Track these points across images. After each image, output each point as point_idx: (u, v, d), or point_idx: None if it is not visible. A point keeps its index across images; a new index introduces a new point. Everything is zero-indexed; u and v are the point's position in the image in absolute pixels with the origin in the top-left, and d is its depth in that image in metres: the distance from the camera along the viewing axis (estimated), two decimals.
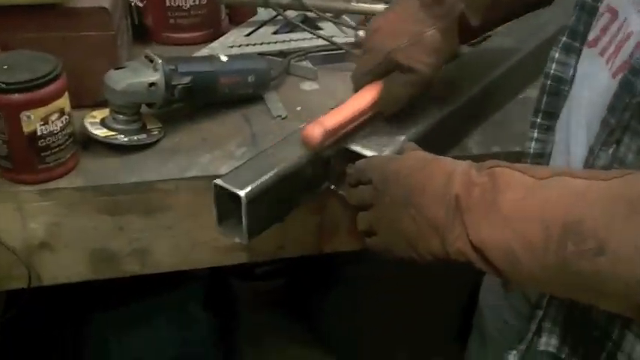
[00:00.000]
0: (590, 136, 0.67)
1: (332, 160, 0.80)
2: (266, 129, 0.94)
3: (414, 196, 0.66)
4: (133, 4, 1.08)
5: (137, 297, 1.30)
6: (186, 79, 0.89)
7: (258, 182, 0.72)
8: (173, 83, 0.88)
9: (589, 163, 0.66)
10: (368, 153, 0.77)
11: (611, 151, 0.63)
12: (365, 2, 1.22)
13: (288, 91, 1.04)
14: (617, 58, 0.65)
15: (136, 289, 1.25)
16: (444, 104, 0.88)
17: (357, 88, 0.83)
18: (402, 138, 0.80)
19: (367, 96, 0.81)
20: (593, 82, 0.69)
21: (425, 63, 0.78)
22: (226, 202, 0.73)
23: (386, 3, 1.23)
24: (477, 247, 0.61)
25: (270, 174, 0.74)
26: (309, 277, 1.71)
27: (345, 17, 1.20)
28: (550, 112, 0.79)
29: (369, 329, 1.64)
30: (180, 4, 1.12)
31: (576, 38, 0.76)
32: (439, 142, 0.88)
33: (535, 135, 0.81)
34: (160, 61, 0.87)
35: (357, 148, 0.79)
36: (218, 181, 0.72)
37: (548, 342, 0.71)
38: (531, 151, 0.82)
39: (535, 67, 1.07)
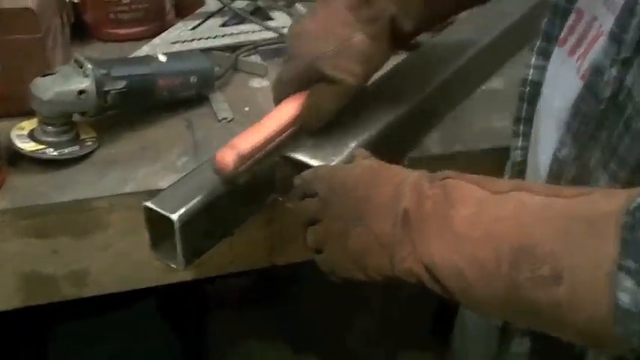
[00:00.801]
0: (559, 135, 0.62)
1: (276, 170, 0.74)
2: (210, 134, 0.88)
3: (361, 210, 0.60)
4: (67, 0, 1.01)
5: (96, 312, 1.24)
6: (120, 84, 0.82)
7: (193, 202, 0.66)
8: (105, 89, 0.81)
9: (555, 174, 0.60)
10: (314, 163, 0.71)
11: (577, 163, 0.58)
12: None
13: (235, 89, 0.97)
14: (586, 58, 0.60)
15: (94, 304, 1.19)
16: (398, 104, 0.82)
17: (278, 99, 0.75)
18: (353, 144, 0.74)
19: (289, 110, 0.74)
20: (561, 84, 0.65)
21: (352, 73, 0.71)
22: (160, 224, 0.67)
23: None
24: (427, 267, 0.55)
25: (207, 192, 0.68)
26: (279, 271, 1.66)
27: (299, 6, 1.13)
28: (530, 118, 0.74)
29: (340, 323, 1.60)
30: None
31: (551, 41, 0.71)
32: (395, 145, 0.83)
33: (520, 144, 0.76)
34: (90, 65, 0.80)
35: (302, 157, 0.73)
36: (148, 204, 0.66)
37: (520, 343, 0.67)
38: (518, 159, 0.76)
39: (495, 58, 1.02)
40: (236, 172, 0.68)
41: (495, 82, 1.01)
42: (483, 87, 1.00)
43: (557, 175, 0.61)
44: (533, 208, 0.51)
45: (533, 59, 0.73)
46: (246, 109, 0.93)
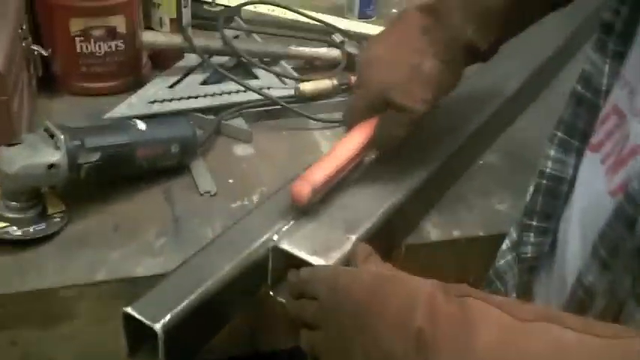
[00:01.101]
0: (584, 254, 0.57)
1: (270, 261, 0.67)
2: (191, 209, 0.80)
3: (368, 324, 0.54)
4: (36, 52, 0.93)
5: None
6: (95, 156, 0.75)
7: (178, 309, 0.59)
8: (79, 162, 0.73)
9: (578, 300, 0.55)
10: (313, 260, 0.64)
11: (606, 294, 0.52)
12: (305, 46, 1.09)
13: (218, 157, 0.90)
14: (619, 174, 0.54)
15: None
16: (401, 184, 0.76)
17: (350, 126, 0.77)
18: (353, 237, 0.68)
19: (359, 137, 0.75)
20: (590, 194, 0.59)
21: (421, 100, 0.71)
22: (140, 331, 0.60)
23: (329, 46, 1.11)
24: None
25: (194, 296, 0.60)
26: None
27: (285, 64, 1.07)
28: (547, 213, 0.69)
29: None
30: (94, 50, 0.97)
31: (574, 135, 0.67)
32: (394, 231, 0.77)
33: (531, 239, 0.71)
34: (62, 136, 0.72)
35: (299, 252, 0.66)
36: (128, 310, 0.58)
37: None
38: (528, 255, 0.71)
39: (493, 131, 0.97)
40: (310, 203, 0.70)
41: (491, 157, 0.96)
42: (481, 161, 0.94)
43: (580, 303, 0.56)
44: (564, 345, 0.46)
45: (553, 151, 0.68)
46: (230, 181, 0.86)
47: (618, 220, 0.51)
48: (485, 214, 0.85)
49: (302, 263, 0.64)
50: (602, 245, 0.52)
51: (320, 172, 0.71)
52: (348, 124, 0.77)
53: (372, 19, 1.32)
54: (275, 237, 0.68)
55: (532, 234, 0.70)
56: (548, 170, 0.68)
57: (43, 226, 0.73)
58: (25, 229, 0.72)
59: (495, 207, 0.86)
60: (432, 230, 0.81)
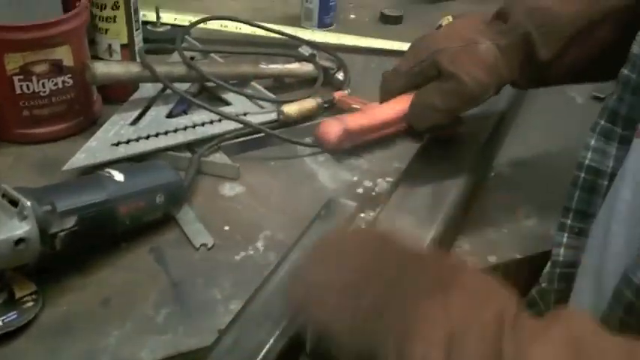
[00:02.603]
0: (631, 251, 0.49)
1: (307, 334, 0.56)
2: (190, 269, 0.67)
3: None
4: None
5: None
6: (70, 222, 0.61)
7: None
8: (52, 231, 0.59)
9: (626, 290, 0.49)
10: None
11: None
12: (276, 63, 0.97)
13: (205, 201, 0.77)
14: None
15: None
16: (434, 216, 0.66)
17: (386, 92, 0.73)
18: None
19: (398, 105, 0.71)
20: (637, 183, 0.53)
21: (472, 74, 0.66)
22: None
23: (302, 61, 1.00)
24: None
25: None
26: None
27: (257, 86, 0.95)
28: (583, 212, 0.63)
29: None
30: (37, 90, 0.82)
31: (617, 122, 0.60)
32: None
33: (564, 240, 0.64)
34: (29, 203, 0.58)
35: None
36: None
37: None
38: (561, 258, 0.64)
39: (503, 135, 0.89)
40: (338, 147, 0.68)
41: (500, 167, 0.87)
42: (492, 173, 0.85)
43: (628, 306, 0.49)
44: None
45: (593, 141, 0.61)
46: (226, 228, 0.73)
47: None
48: (517, 233, 0.76)
49: None
50: None
51: (355, 121, 0.70)
52: (385, 92, 0.73)
53: (332, 27, 1.21)
54: None
55: (566, 234, 0.64)
56: (587, 162, 0.62)
57: (13, 315, 0.59)
58: None
59: (523, 223, 0.77)
60: (467, 258, 0.71)
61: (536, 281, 0.75)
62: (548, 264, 0.67)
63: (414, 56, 0.70)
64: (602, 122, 0.61)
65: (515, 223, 0.77)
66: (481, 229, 0.76)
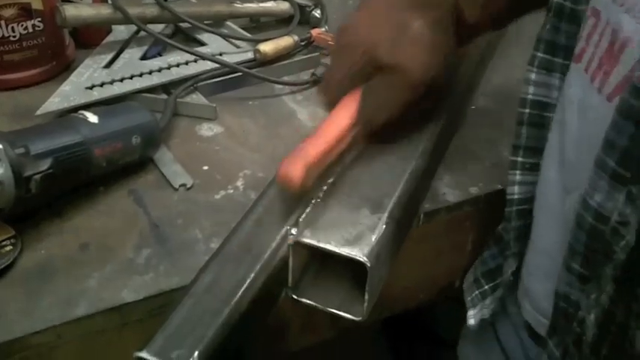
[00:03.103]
0: (586, 175, 0.49)
1: (291, 260, 0.55)
2: (169, 210, 0.67)
3: None
4: None
5: None
6: (45, 164, 0.60)
7: (206, 342, 0.46)
8: (27, 174, 0.58)
9: (587, 214, 0.48)
10: (347, 252, 0.53)
11: (614, 206, 0.45)
12: (251, 2, 0.95)
13: (183, 143, 0.76)
14: (612, 74, 0.47)
15: None
16: (412, 151, 0.65)
17: (331, 101, 0.62)
18: (383, 217, 0.57)
19: (347, 111, 0.60)
20: (581, 108, 0.52)
21: (414, 60, 0.59)
22: None
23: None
24: None
25: (221, 320, 0.48)
26: None
27: (233, 26, 0.93)
28: (533, 147, 0.61)
29: None
30: (7, 35, 0.80)
31: (557, 52, 0.58)
32: (417, 201, 0.66)
33: (517, 177, 0.63)
34: (1, 146, 0.57)
35: (326, 244, 0.53)
36: (144, 355, 0.45)
37: None
38: (515, 197, 0.63)
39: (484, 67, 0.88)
40: (305, 184, 0.55)
41: (483, 100, 0.86)
42: (473, 106, 0.85)
43: (592, 230, 0.48)
44: None
45: (534, 75, 0.60)
46: (205, 168, 0.72)
47: (624, 118, 0.43)
48: (498, 165, 0.75)
49: (332, 256, 0.53)
50: (609, 157, 0.45)
51: (313, 149, 0.58)
52: (328, 100, 0.63)
53: None
54: (293, 231, 0.56)
55: (518, 171, 0.63)
56: (529, 97, 0.60)
57: None
58: None
59: (504, 155, 0.77)
60: (448, 191, 0.71)
61: None
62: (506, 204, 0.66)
63: (346, 59, 0.61)
64: (540, 55, 0.59)
65: (496, 155, 0.77)
66: (462, 161, 0.75)
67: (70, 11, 0.81)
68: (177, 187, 0.69)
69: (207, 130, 0.78)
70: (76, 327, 0.56)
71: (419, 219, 0.69)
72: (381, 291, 0.57)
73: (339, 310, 0.57)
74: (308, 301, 0.57)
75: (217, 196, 0.69)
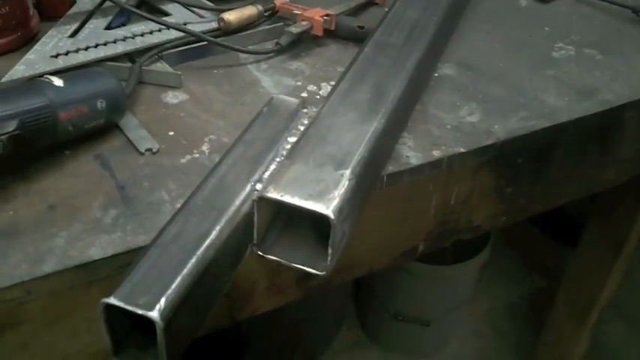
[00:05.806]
0: None
1: (256, 215, 0.57)
2: (136, 173, 0.67)
3: None
4: None
5: None
6: (10, 126, 0.60)
7: (172, 290, 0.47)
8: None
9: None
10: (310, 206, 0.54)
11: None
12: None
13: (149, 109, 0.77)
14: None
15: None
16: (375, 112, 0.67)
17: None
18: (346, 173, 0.58)
19: None
20: None
21: None
22: (122, 322, 0.48)
23: None
24: None
25: (186, 271, 0.49)
26: None
27: None
28: None
29: None
30: None
31: None
32: (379, 162, 0.68)
33: None
34: None
35: (291, 199, 0.55)
36: (111, 301, 0.46)
37: None
38: None
39: (446, 37, 0.90)
40: None
41: (446, 69, 0.88)
42: (436, 74, 0.87)
43: None
44: None
45: None
46: (171, 133, 0.73)
47: None
48: (460, 129, 0.77)
49: (296, 211, 0.54)
50: None
51: None
52: None
53: None
54: (258, 186, 0.58)
55: None
56: None
57: None
58: None
59: (466, 119, 0.79)
60: (411, 154, 0.73)
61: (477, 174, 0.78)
62: None
63: None
64: None
65: (458, 120, 0.79)
66: (425, 125, 0.77)
67: None
68: (143, 151, 0.70)
69: (172, 97, 0.79)
70: (44, 283, 0.57)
71: (382, 181, 0.71)
72: (346, 253, 0.59)
73: (304, 266, 0.58)
74: (273, 257, 0.58)
75: (183, 160, 0.70)
